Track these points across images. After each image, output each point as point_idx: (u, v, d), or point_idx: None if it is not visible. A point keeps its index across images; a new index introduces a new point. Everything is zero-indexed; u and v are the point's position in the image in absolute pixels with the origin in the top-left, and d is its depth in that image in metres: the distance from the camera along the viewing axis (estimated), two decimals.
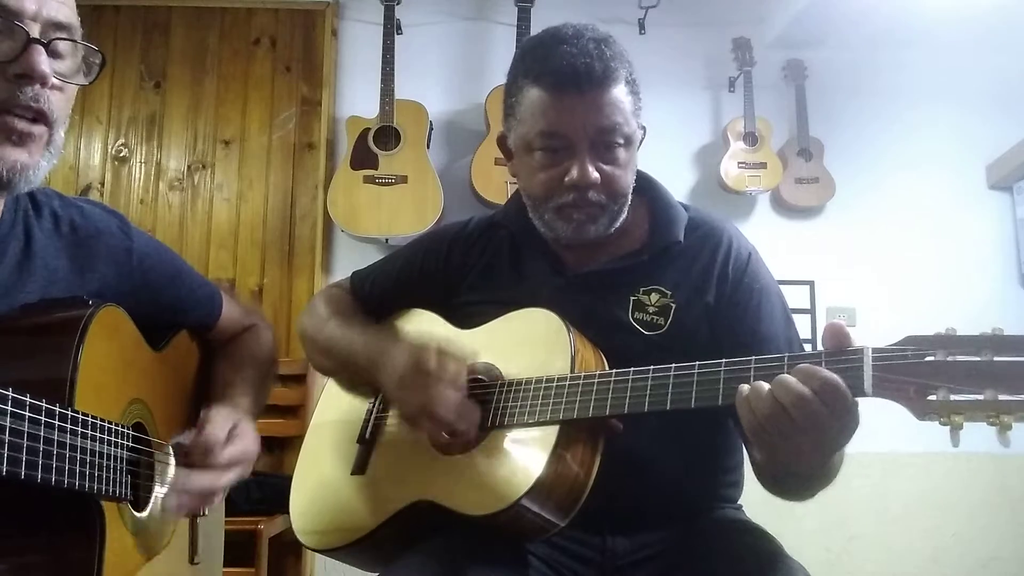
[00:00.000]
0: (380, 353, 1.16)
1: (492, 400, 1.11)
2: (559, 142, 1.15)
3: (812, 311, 3.03)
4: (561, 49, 1.13)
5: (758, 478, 1.11)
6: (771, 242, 2.77)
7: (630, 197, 1.21)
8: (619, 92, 1.14)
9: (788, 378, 0.86)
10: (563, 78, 1.12)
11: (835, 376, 0.84)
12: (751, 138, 3.10)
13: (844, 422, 0.86)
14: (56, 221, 1.06)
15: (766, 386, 0.87)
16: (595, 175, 1.14)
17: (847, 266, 3.12)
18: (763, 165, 3.08)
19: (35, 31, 0.87)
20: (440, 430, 1.09)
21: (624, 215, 1.21)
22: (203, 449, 1.05)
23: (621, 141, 1.16)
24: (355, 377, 1.26)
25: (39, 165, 0.90)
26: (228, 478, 1.08)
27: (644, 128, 1.22)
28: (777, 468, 1.01)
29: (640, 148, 1.22)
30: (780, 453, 0.90)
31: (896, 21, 3.02)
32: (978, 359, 0.80)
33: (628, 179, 1.19)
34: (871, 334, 0.90)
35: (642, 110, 1.21)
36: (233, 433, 1.09)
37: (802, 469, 0.96)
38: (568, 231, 1.18)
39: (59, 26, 0.89)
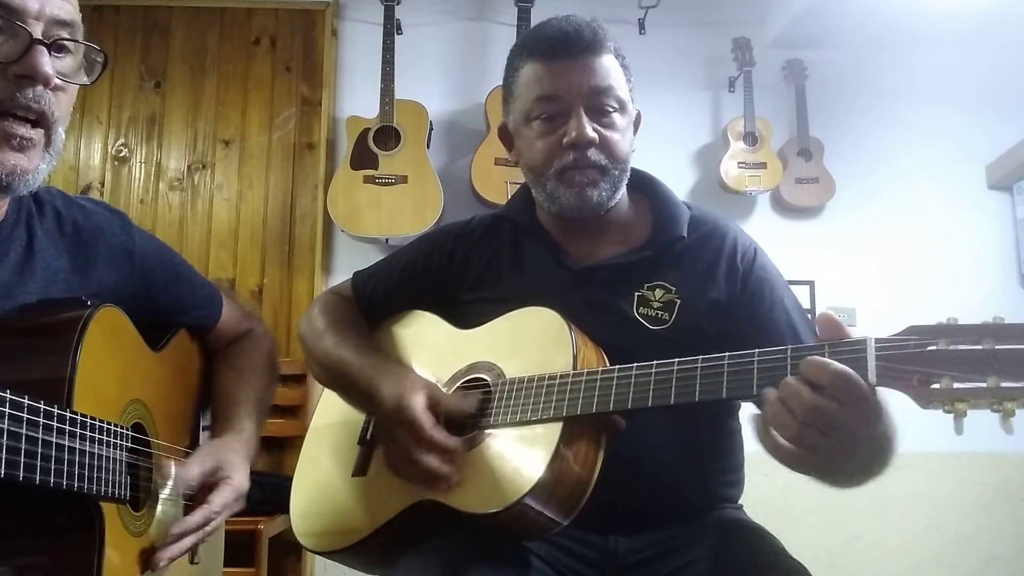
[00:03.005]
0: (371, 382, 1.15)
1: (494, 398, 1.11)
2: (556, 106, 1.18)
3: (812, 311, 3.03)
4: (552, 24, 1.20)
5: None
6: (771, 242, 2.75)
7: (628, 169, 1.23)
8: (610, 60, 1.19)
9: (791, 383, 0.83)
10: (556, 44, 1.17)
11: (844, 367, 0.81)
12: (751, 138, 3.10)
13: (861, 414, 0.82)
14: (59, 221, 1.06)
15: (774, 392, 0.84)
16: (593, 133, 1.16)
17: (847, 266, 3.12)
18: (763, 165, 3.08)
19: (38, 30, 0.86)
20: (418, 483, 1.08)
21: (622, 190, 1.22)
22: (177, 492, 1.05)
23: (615, 105, 1.18)
24: (348, 396, 1.26)
25: (38, 169, 0.90)
26: (217, 524, 1.09)
27: (639, 112, 1.24)
28: (821, 474, 0.94)
29: (636, 141, 1.23)
30: (815, 459, 0.84)
31: (896, 21, 3.02)
32: (980, 347, 0.79)
33: (625, 145, 1.20)
34: (871, 334, 0.90)
35: (636, 103, 1.23)
36: (217, 474, 1.09)
37: (841, 470, 0.90)
38: (571, 197, 1.19)
39: (62, 24, 0.89)
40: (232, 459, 1.12)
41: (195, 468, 1.07)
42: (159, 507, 1.07)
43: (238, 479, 1.11)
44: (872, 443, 0.88)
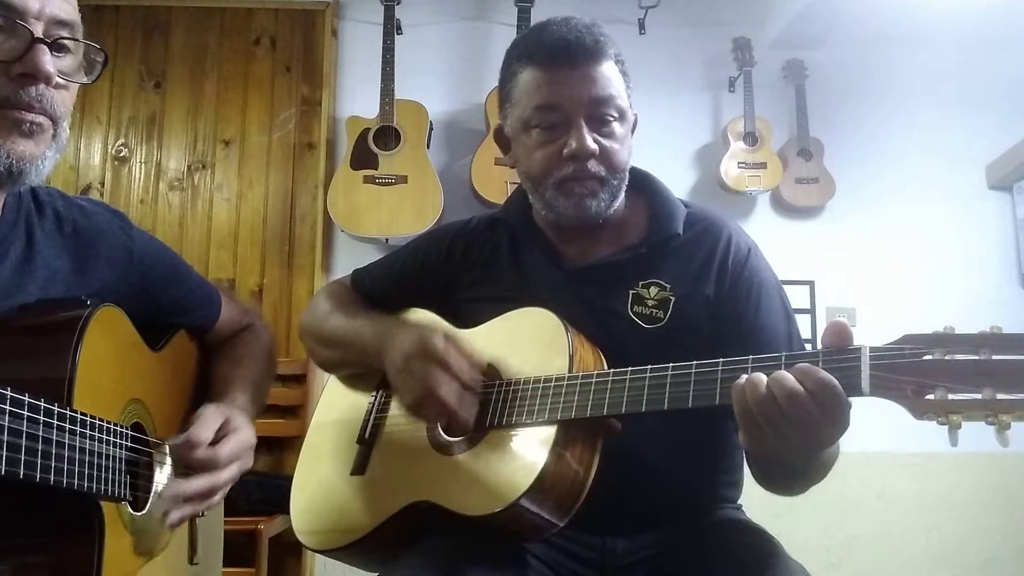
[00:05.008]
0: (386, 337, 1.16)
1: (491, 400, 1.11)
2: (556, 116, 1.16)
3: (812, 311, 3.03)
4: (551, 29, 1.17)
5: (751, 471, 1.14)
6: (771, 242, 2.76)
7: (627, 177, 1.22)
8: (610, 68, 1.17)
9: (785, 374, 0.86)
10: (556, 52, 1.15)
11: (831, 378, 0.84)
12: (751, 138, 3.10)
13: (835, 422, 0.86)
14: (58, 221, 1.06)
15: (764, 378, 0.87)
16: (593, 145, 1.15)
17: (847, 266, 3.12)
18: (763, 165, 3.09)
19: (38, 30, 0.87)
20: (438, 417, 1.09)
21: (621, 197, 1.22)
22: (187, 448, 1.03)
23: (615, 115, 1.17)
24: (360, 365, 1.25)
25: (46, 156, 0.91)
26: (227, 475, 1.08)
27: (636, 115, 1.23)
28: (762, 457, 1.01)
29: (636, 141, 1.23)
30: (766, 442, 0.89)
31: (896, 21, 3.02)
32: (976, 358, 0.79)
33: (624, 155, 1.20)
34: (871, 334, 0.90)
35: (636, 104, 1.22)
36: (225, 428, 1.09)
37: (787, 461, 0.96)
38: (569, 207, 1.18)
39: (62, 23, 0.90)
40: (237, 414, 1.12)
41: (206, 430, 1.05)
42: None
43: (246, 432, 1.10)
44: (828, 450, 0.94)
